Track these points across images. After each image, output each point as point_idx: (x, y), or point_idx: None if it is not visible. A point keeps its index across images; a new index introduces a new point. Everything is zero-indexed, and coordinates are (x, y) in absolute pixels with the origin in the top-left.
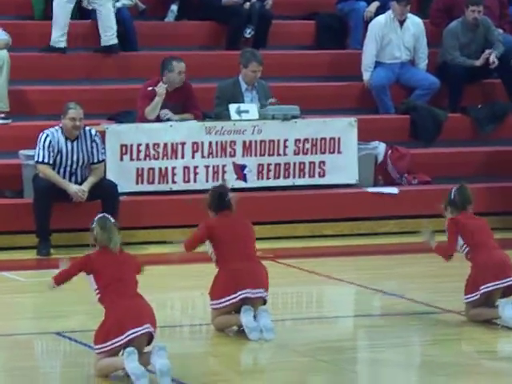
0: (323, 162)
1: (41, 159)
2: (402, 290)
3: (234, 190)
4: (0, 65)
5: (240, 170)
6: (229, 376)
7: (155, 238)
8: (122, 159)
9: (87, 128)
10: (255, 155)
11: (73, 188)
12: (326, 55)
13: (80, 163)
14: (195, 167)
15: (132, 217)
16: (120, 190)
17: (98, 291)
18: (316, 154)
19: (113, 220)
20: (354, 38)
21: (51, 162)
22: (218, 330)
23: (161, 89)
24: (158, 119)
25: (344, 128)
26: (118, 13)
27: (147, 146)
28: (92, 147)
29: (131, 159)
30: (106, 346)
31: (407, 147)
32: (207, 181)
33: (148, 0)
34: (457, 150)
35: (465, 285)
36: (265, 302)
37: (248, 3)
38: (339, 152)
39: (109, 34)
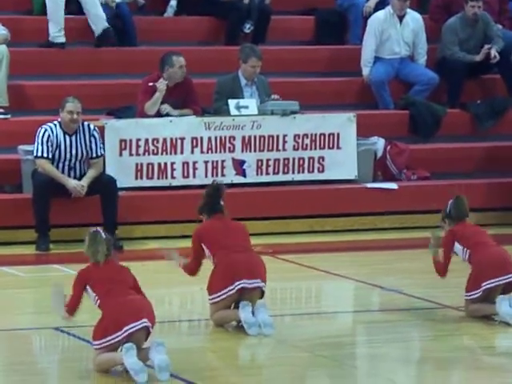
0: (322, 158)
1: (39, 154)
2: (401, 286)
3: (234, 185)
4: None
5: (239, 166)
6: (228, 371)
7: (154, 234)
8: (121, 154)
9: (86, 123)
10: (254, 151)
11: (72, 183)
12: (326, 51)
13: (79, 158)
14: (194, 162)
15: (131, 212)
16: (119, 185)
17: (96, 298)
18: (315, 149)
19: (103, 234)
20: (354, 33)
21: (50, 156)
22: (217, 326)
23: (161, 85)
24: (158, 114)
25: (343, 123)
26: (118, 8)
27: (146, 141)
28: (91, 142)
29: (130, 154)
30: (104, 342)
31: (406, 143)
32: (206, 176)
33: None
34: (456, 145)
35: (466, 281)
36: (262, 294)
37: None
38: (338, 147)
39: (99, 23)
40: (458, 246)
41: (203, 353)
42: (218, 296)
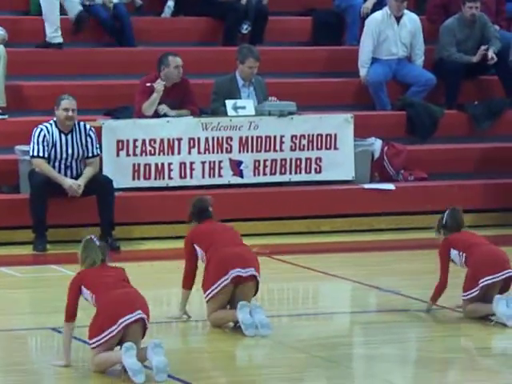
0: (319, 158)
1: (35, 153)
2: (398, 287)
3: (231, 185)
4: None
5: (236, 166)
6: (225, 372)
7: (151, 234)
8: (118, 155)
9: (82, 123)
10: (251, 151)
11: (68, 182)
12: (323, 51)
13: (75, 156)
14: (191, 163)
15: (128, 213)
16: (116, 185)
17: (91, 295)
18: (312, 150)
19: (98, 242)
20: (351, 34)
21: (46, 155)
22: (214, 327)
23: (159, 85)
24: (156, 114)
25: (340, 124)
26: (115, 9)
27: (144, 141)
28: (87, 141)
29: (127, 155)
30: (100, 339)
31: (403, 143)
32: (203, 177)
33: None
34: (453, 146)
35: (463, 282)
36: (257, 285)
37: None
38: (335, 148)
39: (73, 9)
40: (454, 252)
41: (200, 353)
42: (214, 289)
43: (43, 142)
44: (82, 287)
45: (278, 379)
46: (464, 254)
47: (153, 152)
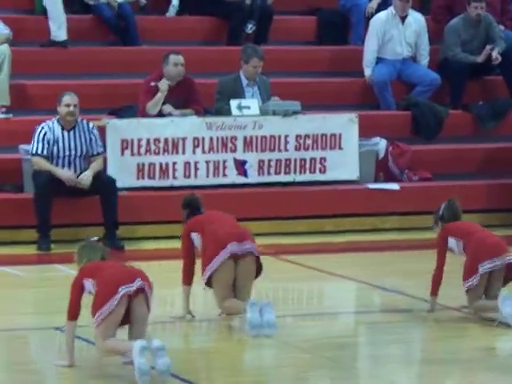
0: (324, 158)
1: (35, 151)
2: (402, 287)
3: (235, 185)
4: (1, 59)
5: (241, 166)
6: (229, 372)
7: (156, 234)
8: (122, 154)
9: (84, 121)
10: (256, 151)
11: (66, 173)
12: (328, 51)
13: (78, 153)
14: (196, 162)
15: (132, 212)
16: (121, 185)
17: (93, 282)
18: (317, 149)
19: (98, 244)
20: (356, 33)
21: (45, 153)
22: (228, 314)
23: (163, 85)
24: (160, 114)
25: (345, 124)
26: (120, 8)
27: (148, 141)
28: (90, 139)
29: (132, 154)
30: (103, 312)
31: (408, 143)
32: (208, 176)
33: None
34: (458, 146)
35: (463, 272)
36: (258, 264)
37: None
38: (340, 148)
39: (57, 28)
40: (452, 241)
41: (204, 353)
42: (214, 265)
43: (43, 140)
44: (84, 281)
45: (282, 379)
46: (462, 241)
47: (157, 151)
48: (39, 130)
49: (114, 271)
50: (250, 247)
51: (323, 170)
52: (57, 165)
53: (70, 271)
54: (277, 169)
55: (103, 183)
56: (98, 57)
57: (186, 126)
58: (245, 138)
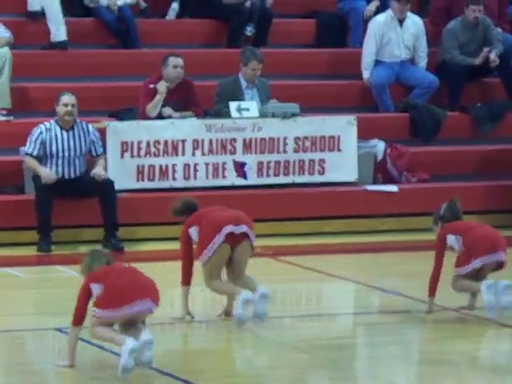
0: (323, 160)
1: (26, 150)
2: (401, 288)
3: (235, 187)
4: (2, 62)
5: (240, 168)
6: (228, 372)
7: (155, 235)
8: (122, 156)
9: (83, 122)
10: (255, 153)
11: (46, 172)
12: (326, 54)
13: (77, 153)
14: (195, 164)
15: (132, 214)
16: (121, 186)
17: (101, 285)
18: (316, 151)
19: (104, 250)
20: (354, 36)
21: (35, 153)
22: (214, 292)
23: (162, 87)
24: (160, 116)
25: (343, 126)
26: (120, 11)
27: (148, 143)
28: (90, 139)
29: (132, 156)
30: (105, 314)
31: (406, 145)
32: (207, 178)
33: None
34: (456, 148)
35: (456, 258)
36: (252, 246)
37: (249, 1)
38: (339, 150)
39: (55, 29)
40: (451, 238)
41: (203, 354)
42: (210, 249)
43: (36, 140)
44: (91, 286)
45: (281, 380)
46: (461, 236)
47: (157, 153)
48: (34, 130)
49: (126, 283)
50: (246, 229)
51: (322, 172)
52: (56, 165)
53: (71, 272)
54: (276, 170)
55: (101, 185)
56: (98, 59)
57: (186, 128)
58: (244, 140)
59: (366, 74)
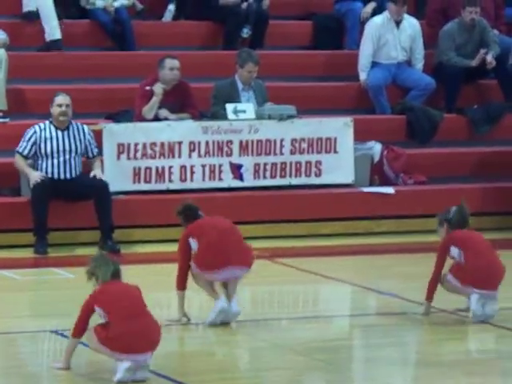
0: (319, 162)
1: (17, 149)
2: (397, 290)
3: (231, 189)
4: None
5: (237, 170)
6: (224, 375)
7: (152, 237)
8: (119, 158)
9: (78, 123)
10: (252, 155)
11: (34, 174)
12: (323, 55)
13: (73, 153)
14: (192, 166)
15: (129, 216)
16: (117, 188)
17: (106, 315)
18: (312, 153)
19: (105, 254)
20: (351, 38)
21: (25, 153)
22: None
23: (158, 89)
24: (156, 118)
25: (340, 128)
26: (116, 13)
27: (144, 145)
28: (85, 139)
29: (128, 158)
30: (102, 349)
31: (403, 147)
32: (204, 180)
33: (145, 0)
34: (452, 150)
35: (455, 266)
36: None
37: (245, 3)
38: (335, 152)
39: (49, 28)
40: (455, 250)
41: (200, 356)
42: (204, 274)
43: (29, 140)
44: (96, 307)
45: (277, 382)
46: (464, 253)
47: (153, 155)
48: (29, 130)
49: (129, 330)
50: (241, 272)
51: (318, 174)
52: (52, 165)
53: (67, 274)
54: (272, 172)
55: (96, 188)
56: (95, 61)
57: (182, 130)
58: (240, 142)
59: (362, 76)
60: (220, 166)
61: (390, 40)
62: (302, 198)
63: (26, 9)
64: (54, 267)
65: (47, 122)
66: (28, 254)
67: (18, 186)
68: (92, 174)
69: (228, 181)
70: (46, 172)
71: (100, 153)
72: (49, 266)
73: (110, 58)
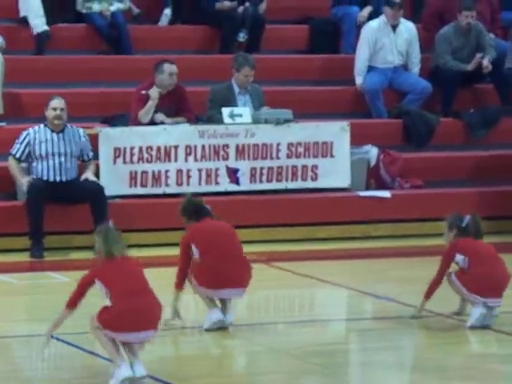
0: (316, 166)
1: (11, 151)
2: (394, 294)
3: (228, 193)
4: None
5: (233, 174)
6: (221, 379)
7: (148, 241)
8: (115, 162)
9: (74, 126)
10: (248, 159)
11: (25, 179)
12: (319, 59)
13: (68, 155)
14: (188, 170)
15: (125, 220)
16: (113, 193)
17: (108, 293)
18: (309, 157)
19: (113, 228)
20: (347, 42)
21: (18, 155)
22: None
23: (154, 93)
24: (152, 122)
25: (337, 132)
26: (113, 17)
27: (140, 149)
28: (81, 142)
29: (124, 162)
30: (104, 330)
31: (399, 151)
32: (200, 184)
33: (142, 4)
34: (449, 154)
35: (460, 272)
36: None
37: (241, 7)
38: (332, 156)
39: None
40: (460, 257)
41: (196, 360)
42: (200, 290)
43: (22, 142)
44: (97, 280)
45: None
46: (468, 261)
47: (149, 159)
48: (24, 133)
49: (130, 307)
50: (238, 293)
51: (315, 178)
52: (48, 167)
53: (63, 278)
54: (269, 176)
55: (91, 192)
56: (91, 65)
57: (178, 133)
58: (237, 146)
59: (359, 80)
60: (216, 170)
61: (386, 44)
62: (298, 202)
63: (22, 13)
64: (50, 271)
65: (42, 125)
66: (24, 257)
67: (13, 190)
68: (83, 177)
69: (224, 185)
70: (42, 175)
71: (95, 157)
72: (45, 269)
73: (106, 62)
